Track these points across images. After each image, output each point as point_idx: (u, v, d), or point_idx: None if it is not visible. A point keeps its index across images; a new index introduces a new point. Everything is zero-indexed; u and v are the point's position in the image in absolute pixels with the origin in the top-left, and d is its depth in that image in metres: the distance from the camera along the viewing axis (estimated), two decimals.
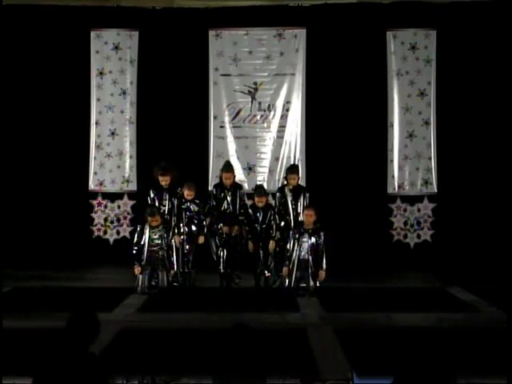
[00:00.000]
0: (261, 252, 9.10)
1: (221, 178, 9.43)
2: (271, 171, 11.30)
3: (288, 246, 8.67)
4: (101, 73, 11.42)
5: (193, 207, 9.18)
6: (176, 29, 11.19)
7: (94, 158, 11.43)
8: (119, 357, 5.68)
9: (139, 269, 8.62)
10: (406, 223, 11.24)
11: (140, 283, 8.65)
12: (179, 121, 11.11)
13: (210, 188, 10.29)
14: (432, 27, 11.11)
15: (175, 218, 9.14)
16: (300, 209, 9.12)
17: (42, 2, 11.14)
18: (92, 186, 11.45)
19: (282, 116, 11.31)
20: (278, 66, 11.33)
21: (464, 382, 4.75)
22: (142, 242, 8.69)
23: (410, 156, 11.23)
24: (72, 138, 11.26)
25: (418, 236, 11.23)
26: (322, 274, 8.50)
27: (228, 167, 9.47)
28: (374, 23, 11.05)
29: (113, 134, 11.43)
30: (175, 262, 8.97)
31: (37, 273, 9.91)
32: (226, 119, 11.37)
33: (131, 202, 11.41)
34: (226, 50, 11.32)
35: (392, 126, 11.25)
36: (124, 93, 11.40)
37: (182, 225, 9.17)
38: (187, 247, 9.15)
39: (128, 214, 11.42)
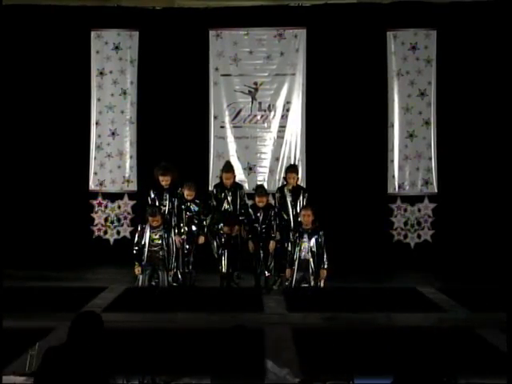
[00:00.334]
0: (261, 252, 9.12)
1: (221, 178, 9.45)
2: (271, 171, 11.33)
3: (289, 247, 8.70)
4: (101, 73, 11.46)
5: (193, 207, 9.21)
6: (176, 29, 11.22)
7: (95, 158, 11.47)
8: None
9: (139, 269, 8.64)
10: (406, 223, 11.27)
11: (140, 283, 8.67)
12: (179, 121, 11.14)
13: (211, 188, 10.32)
14: (432, 27, 11.14)
15: (175, 218, 9.17)
16: (299, 209, 9.15)
17: (42, 2, 11.17)
18: (92, 186, 11.48)
19: (282, 116, 11.35)
20: (278, 66, 11.36)
21: (464, 382, 4.76)
22: (143, 242, 8.70)
23: (410, 156, 11.26)
24: (72, 138, 11.29)
25: (419, 236, 11.27)
26: (324, 273, 8.52)
27: (228, 167, 9.50)
28: (374, 23, 11.08)
29: (113, 134, 11.47)
30: (175, 263, 9.01)
31: (37, 273, 9.94)
32: (227, 119, 11.40)
33: (131, 202, 11.44)
34: (227, 50, 11.35)
35: (392, 126, 11.28)
36: (124, 93, 11.44)
37: (182, 225, 9.19)
38: (187, 247, 9.19)
39: (128, 214, 11.45)
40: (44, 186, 11.19)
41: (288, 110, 11.35)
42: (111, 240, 11.46)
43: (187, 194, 9.13)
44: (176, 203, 9.19)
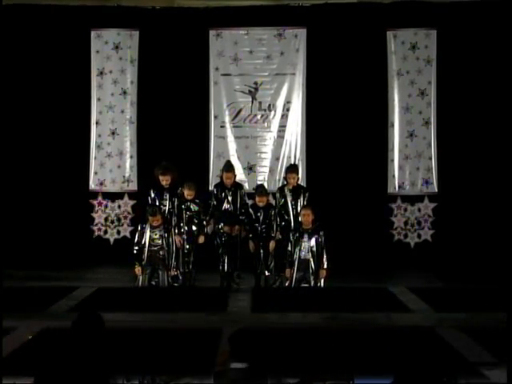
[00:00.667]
0: (261, 252, 9.19)
1: (221, 177, 9.51)
2: (272, 171, 11.37)
3: (289, 247, 8.77)
4: (101, 72, 11.49)
5: (193, 207, 9.28)
6: (176, 28, 11.25)
7: (95, 158, 11.50)
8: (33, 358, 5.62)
9: (139, 269, 8.69)
10: (406, 223, 11.33)
11: (140, 283, 8.74)
12: (180, 120, 11.17)
13: (211, 188, 10.38)
14: (432, 27, 11.18)
15: (175, 218, 9.24)
16: (299, 209, 9.22)
17: (42, 1, 11.21)
18: (92, 185, 11.53)
19: (282, 116, 11.39)
20: (278, 66, 11.41)
21: (464, 382, 4.83)
22: (143, 242, 8.74)
23: (410, 156, 11.30)
24: (72, 138, 11.32)
25: (419, 236, 11.31)
26: (323, 273, 8.58)
27: (228, 167, 9.55)
28: (375, 23, 11.11)
29: (113, 133, 11.51)
30: (175, 262, 9.07)
31: (36, 273, 10.00)
32: (227, 119, 11.45)
33: (131, 202, 11.48)
34: (227, 49, 11.39)
35: (392, 125, 11.32)
36: (124, 92, 11.48)
37: (182, 224, 9.25)
38: (187, 247, 9.26)
39: (128, 213, 11.49)
40: (44, 186, 11.23)
41: (288, 110, 11.39)
42: (111, 240, 11.51)
43: (187, 193, 9.17)
44: (176, 203, 9.25)
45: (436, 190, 11.30)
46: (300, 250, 8.62)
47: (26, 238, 10.97)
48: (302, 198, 9.32)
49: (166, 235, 8.85)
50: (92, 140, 11.50)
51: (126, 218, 11.51)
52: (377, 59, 11.20)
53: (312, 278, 8.58)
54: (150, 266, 8.77)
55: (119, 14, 11.41)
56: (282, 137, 11.40)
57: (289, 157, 11.33)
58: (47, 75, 11.25)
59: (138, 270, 8.69)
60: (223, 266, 9.27)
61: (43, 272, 10.07)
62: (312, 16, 11.23)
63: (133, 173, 11.49)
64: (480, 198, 10.92)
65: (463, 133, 11.04)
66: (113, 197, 11.55)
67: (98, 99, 11.51)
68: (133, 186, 11.50)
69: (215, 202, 9.36)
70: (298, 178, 9.66)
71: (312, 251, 8.58)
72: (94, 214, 11.52)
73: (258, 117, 11.44)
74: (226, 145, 11.45)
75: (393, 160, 11.32)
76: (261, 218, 9.18)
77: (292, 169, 9.68)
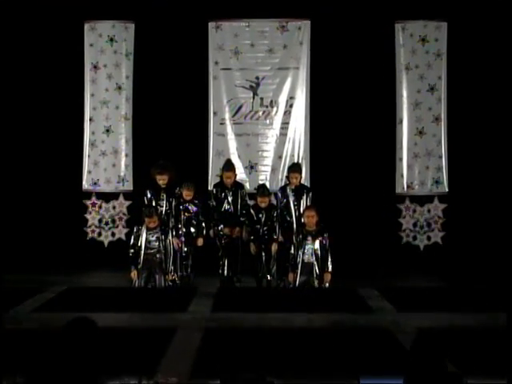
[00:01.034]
0: (263, 255, 9.14)
1: (221, 177, 9.55)
2: (274, 170, 11.34)
3: (292, 250, 8.69)
4: (95, 67, 11.47)
5: (191, 208, 9.24)
6: (174, 20, 11.20)
7: (88, 156, 11.47)
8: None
9: (135, 273, 8.68)
10: (415, 225, 11.30)
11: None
12: (177, 117, 11.14)
13: (210, 188, 10.36)
14: (443, 19, 11.14)
15: (173, 220, 9.23)
16: (302, 209, 9.15)
17: None
18: (86, 185, 11.49)
19: (285, 112, 11.35)
20: (281, 60, 11.36)
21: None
22: (139, 245, 8.74)
23: (419, 154, 11.27)
24: (65, 136, 11.29)
25: (428, 238, 11.29)
26: (328, 277, 8.53)
27: (229, 166, 9.57)
28: (382, 14, 11.06)
29: (108, 130, 11.47)
30: (173, 266, 9.03)
31: (25, 277, 9.91)
32: (227, 115, 11.41)
33: (127, 203, 11.46)
34: (227, 42, 11.36)
35: (401, 122, 11.30)
36: (119, 88, 11.45)
37: (180, 226, 9.24)
38: (185, 250, 9.22)
39: (124, 214, 11.47)
40: (35, 186, 11.19)
41: (291, 106, 11.36)
42: (105, 242, 11.48)
43: (186, 194, 9.20)
44: (174, 203, 9.23)
45: (446, 189, 11.27)
46: (303, 252, 8.58)
47: (15, 240, 10.90)
48: (305, 198, 9.38)
49: (163, 237, 8.87)
50: (85, 137, 11.48)
51: (121, 219, 11.50)
52: (384, 53, 11.18)
53: (316, 282, 8.51)
54: (147, 270, 8.78)
55: (114, 5, 11.38)
56: (285, 134, 11.36)
57: (292, 155, 11.30)
58: (38, 69, 11.23)
59: (133, 274, 8.70)
60: (223, 270, 9.32)
61: (32, 276, 9.97)
62: (316, 7, 11.19)
63: (128, 172, 11.46)
64: (493, 198, 10.89)
65: (475, 130, 11.01)
66: (107, 197, 11.53)
67: (92, 95, 11.47)
68: (128, 186, 11.48)
69: (215, 203, 9.35)
70: (301, 178, 9.63)
71: (316, 254, 8.54)
72: (87, 216, 11.49)
73: (260, 113, 11.41)
74: (226, 143, 11.40)
75: (401, 159, 11.29)
76: (262, 219, 9.21)
77: (295, 168, 9.67)
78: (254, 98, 11.42)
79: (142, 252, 8.73)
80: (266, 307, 7.68)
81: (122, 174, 11.48)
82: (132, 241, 8.84)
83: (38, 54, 11.21)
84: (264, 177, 11.32)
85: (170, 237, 9.08)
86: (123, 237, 11.29)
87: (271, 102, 11.41)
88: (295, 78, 11.37)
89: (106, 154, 11.47)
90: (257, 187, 9.90)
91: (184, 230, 9.24)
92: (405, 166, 11.29)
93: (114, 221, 11.49)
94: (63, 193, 11.26)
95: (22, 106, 11.23)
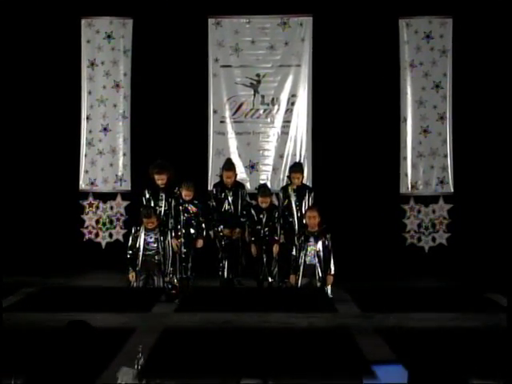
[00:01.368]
0: (264, 256, 9.15)
1: (221, 176, 9.56)
2: (275, 169, 11.33)
3: (293, 252, 8.71)
4: (92, 64, 11.46)
5: (191, 208, 9.24)
6: (173, 16, 11.19)
7: (85, 156, 11.46)
8: None
9: (133, 275, 8.70)
10: (420, 225, 11.29)
11: None
12: (176, 115, 11.13)
13: (210, 187, 10.37)
14: (448, 15, 11.13)
15: (172, 220, 9.22)
16: (304, 210, 9.17)
17: None
18: (83, 185, 11.48)
19: (286, 110, 11.35)
20: (282, 57, 11.36)
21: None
22: (137, 246, 8.76)
23: (424, 153, 11.27)
24: (61, 134, 11.27)
25: (433, 239, 11.29)
26: (330, 279, 8.56)
27: (229, 165, 9.58)
28: (386, 10, 11.05)
29: (105, 129, 11.47)
30: (172, 268, 9.04)
31: (21, 279, 9.91)
32: (227, 114, 11.41)
33: (125, 203, 11.45)
34: (227, 39, 11.35)
35: (405, 121, 11.29)
36: (117, 85, 11.44)
37: (179, 227, 9.24)
38: (185, 251, 9.22)
39: (121, 215, 11.46)
40: (30, 185, 11.16)
41: (293, 104, 11.35)
42: (103, 243, 11.47)
43: (185, 194, 9.19)
44: (173, 204, 9.23)
45: (452, 190, 11.27)
46: (305, 254, 8.59)
47: (10, 241, 10.86)
48: (306, 199, 9.37)
49: (162, 239, 8.88)
50: (82, 136, 11.47)
51: (118, 220, 11.49)
52: (388, 49, 11.17)
53: (319, 284, 8.52)
54: (145, 272, 8.77)
55: (112, 0, 11.40)
56: (287, 133, 11.36)
57: (293, 154, 11.30)
58: (34, 66, 11.20)
59: (131, 275, 8.72)
60: (223, 272, 9.31)
61: (28, 278, 9.96)
62: (318, 3, 11.19)
63: (126, 171, 11.45)
64: (499, 198, 10.85)
65: (481, 129, 11.00)
66: (104, 197, 11.52)
67: (89, 92, 11.47)
68: (126, 186, 11.47)
69: (215, 203, 9.36)
70: (303, 178, 9.63)
71: (318, 256, 8.57)
72: (84, 216, 11.48)
73: (261, 111, 11.41)
74: (226, 141, 11.41)
75: (405, 158, 11.29)
76: (264, 220, 9.22)
77: (296, 168, 9.69)
78: (254, 95, 11.42)
79: (141, 254, 8.75)
80: (231, 307, 7.76)
81: (120, 173, 11.47)
82: (130, 242, 8.87)
83: (34, 50, 11.18)
84: (265, 176, 11.31)
85: (169, 238, 9.08)
86: (121, 238, 11.29)
87: (272, 99, 11.41)
88: (297, 75, 11.36)
89: (104, 153, 11.47)
90: (258, 187, 9.92)
91: (183, 231, 9.24)
92: (409, 166, 11.28)
93: (111, 221, 11.48)
94: (59, 193, 11.23)
95: (17, 103, 11.19)
